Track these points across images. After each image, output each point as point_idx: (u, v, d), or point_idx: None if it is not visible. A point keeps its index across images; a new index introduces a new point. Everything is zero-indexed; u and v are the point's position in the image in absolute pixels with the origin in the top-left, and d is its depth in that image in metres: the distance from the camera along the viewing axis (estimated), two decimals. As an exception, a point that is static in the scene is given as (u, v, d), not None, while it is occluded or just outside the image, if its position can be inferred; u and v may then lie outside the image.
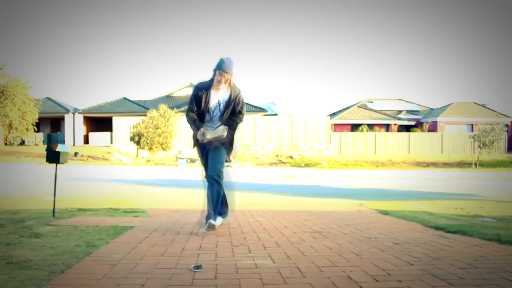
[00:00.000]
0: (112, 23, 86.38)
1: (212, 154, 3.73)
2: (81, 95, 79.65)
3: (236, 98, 3.71)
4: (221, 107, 3.71)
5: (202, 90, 3.68)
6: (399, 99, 39.70)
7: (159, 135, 21.27)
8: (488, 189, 11.19)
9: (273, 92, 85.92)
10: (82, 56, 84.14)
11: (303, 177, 15.91)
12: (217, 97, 3.68)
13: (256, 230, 3.80)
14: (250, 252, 2.87)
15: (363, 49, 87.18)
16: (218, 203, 3.68)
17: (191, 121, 3.73)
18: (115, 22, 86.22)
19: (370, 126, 33.39)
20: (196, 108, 3.71)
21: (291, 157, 25.46)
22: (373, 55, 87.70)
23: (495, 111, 34.39)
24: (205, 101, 3.67)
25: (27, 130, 22.67)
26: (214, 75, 3.63)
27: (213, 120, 3.73)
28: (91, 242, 3.06)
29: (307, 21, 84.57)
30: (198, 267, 2.38)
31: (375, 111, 36.16)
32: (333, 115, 36.87)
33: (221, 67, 3.58)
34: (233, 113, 3.73)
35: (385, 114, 35.45)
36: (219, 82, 3.58)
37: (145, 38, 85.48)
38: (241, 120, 3.81)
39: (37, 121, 23.17)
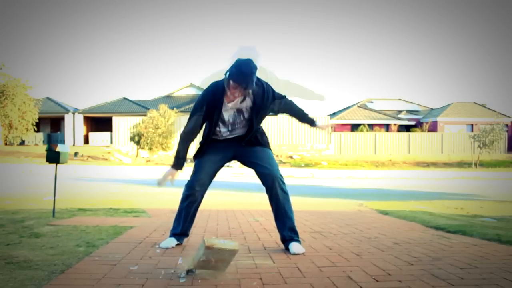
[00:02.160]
0: (112, 23, 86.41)
1: (259, 154, 2.85)
2: (81, 95, 79.85)
3: (264, 94, 2.68)
4: (245, 114, 2.76)
5: (215, 98, 2.65)
6: (399, 99, 39.73)
7: (159, 135, 21.30)
8: (488, 189, 11.19)
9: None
10: (82, 56, 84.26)
11: (303, 177, 15.92)
12: (234, 106, 2.72)
13: (256, 230, 3.79)
14: (250, 252, 2.87)
15: (363, 49, 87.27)
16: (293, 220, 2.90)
17: (184, 141, 2.82)
18: (116, 22, 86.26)
19: (370, 126, 33.40)
20: (203, 121, 2.75)
21: (291, 157, 25.46)
22: (373, 55, 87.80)
23: (495, 111, 34.42)
24: (217, 113, 2.70)
25: (27, 130, 22.70)
26: (227, 78, 2.55)
27: (236, 128, 2.81)
28: (91, 242, 3.06)
29: (307, 21, 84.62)
30: (189, 271, 2.32)
31: (375, 111, 36.17)
32: (333, 115, 36.91)
33: (236, 80, 2.47)
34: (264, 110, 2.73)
35: (385, 114, 35.46)
36: (234, 96, 2.60)
37: (145, 38, 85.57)
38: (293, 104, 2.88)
39: (37, 121, 23.20)
